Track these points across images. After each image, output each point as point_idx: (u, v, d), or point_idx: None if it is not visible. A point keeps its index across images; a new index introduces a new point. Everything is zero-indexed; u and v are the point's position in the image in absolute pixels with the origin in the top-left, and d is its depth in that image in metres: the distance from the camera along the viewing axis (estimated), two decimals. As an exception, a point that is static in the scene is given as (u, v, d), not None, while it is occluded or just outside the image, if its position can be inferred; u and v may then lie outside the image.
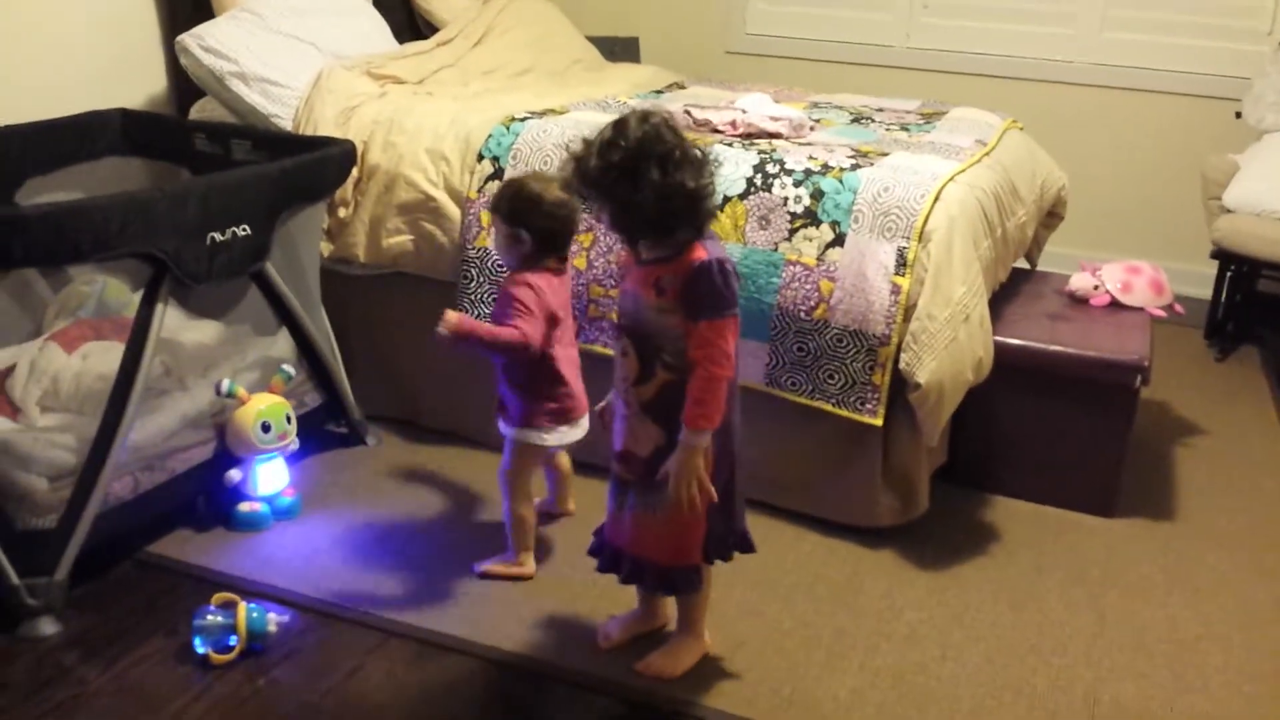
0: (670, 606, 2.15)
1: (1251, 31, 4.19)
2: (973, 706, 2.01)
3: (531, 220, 2.18)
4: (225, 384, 2.42)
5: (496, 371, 2.28)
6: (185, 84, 3.19)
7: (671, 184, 1.75)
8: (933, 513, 2.57)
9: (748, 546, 2.06)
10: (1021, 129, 3.39)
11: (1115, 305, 2.99)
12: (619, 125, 1.79)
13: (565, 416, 2.27)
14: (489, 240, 2.73)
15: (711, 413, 1.81)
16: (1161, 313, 2.99)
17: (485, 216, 2.74)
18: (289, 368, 2.57)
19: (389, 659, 2.08)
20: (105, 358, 2.41)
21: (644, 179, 1.74)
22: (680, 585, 1.99)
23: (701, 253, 1.80)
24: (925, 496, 2.55)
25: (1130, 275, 3.03)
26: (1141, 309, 2.97)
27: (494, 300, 2.72)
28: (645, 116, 1.80)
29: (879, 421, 2.44)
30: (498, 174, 2.74)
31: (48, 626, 2.08)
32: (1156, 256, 3.70)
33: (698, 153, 1.79)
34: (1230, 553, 2.58)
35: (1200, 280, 4.06)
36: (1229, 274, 3.88)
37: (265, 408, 2.45)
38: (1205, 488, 2.89)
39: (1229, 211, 3.64)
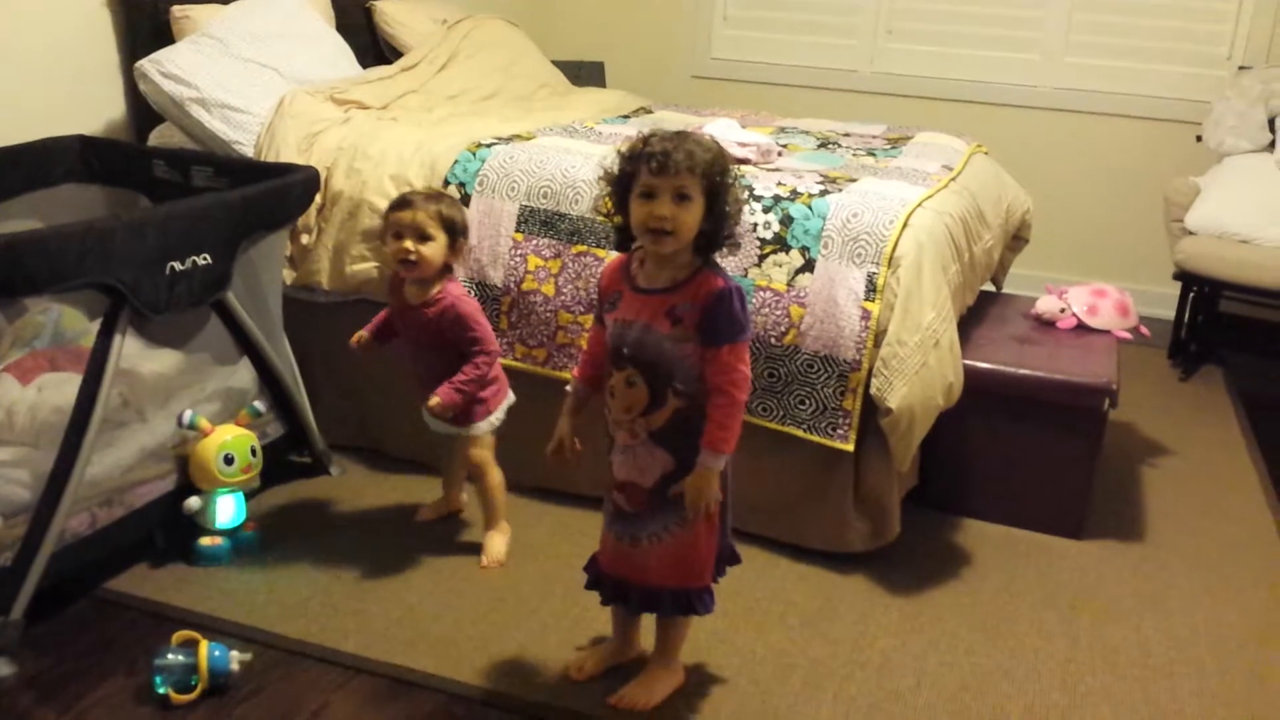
0: (645, 636, 2.12)
1: (1211, 56, 4.26)
2: (948, 735, 2.00)
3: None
4: (188, 415, 2.37)
5: (427, 379, 2.34)
6: (144, 110, 3.14)
7: (739, 203, 1.83)
8: (904, 536, 2.56)
9: (736, 558, 2.08)
10: (986, 153, 3.41)
11: (1082, 328, 3.00)
12: (691, 135, 1.81)
13: (501, 388, 2.43)
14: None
15: (732, 436, 1.82)
16: (1127, 335, 3.01)
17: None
18: (260, 405, 2.52)
19: (355, 696, 2.03)
20: (61, 389, 2.35)
21: (730, 190, 1.80)
22: (697, 606, 1.96)
23: (718, 280, 1.80)
24: (897, 521, 2.53)
25: (1096, 298, 3.05)
26: (1108, 331, 2.99)
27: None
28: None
29: (850, 447, 2.43)
30: (464, 200, 2.71)
31: (3, 668, 2.01)
32: (1121, 278, 3.74)
33: None
34: (1200, 573, 2.58)
35: (1163, 301, 4.10)
36: (1191, 295, 3.92)
37: (229, 439, 2.40)
38: (1173, 508, 2.90)
39: (1191, 234, 3.68)
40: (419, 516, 2.60)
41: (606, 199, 1.87)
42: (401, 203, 2.30)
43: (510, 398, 2.46)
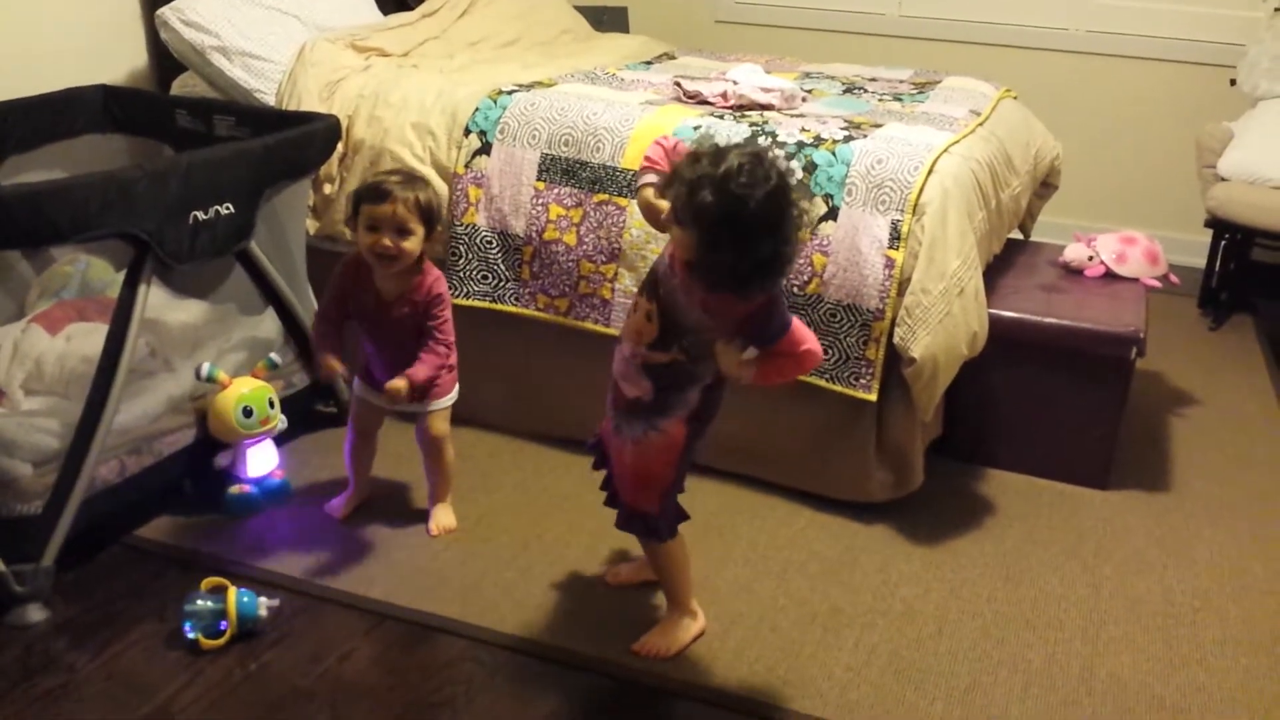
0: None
1: (1246, -3, 4.16)
2: (969, 683, 2.01)
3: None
4: (205, 368, 2.37)
5: (389, 362, 2.26)
6: (167, 59, 3.14)
7: (775, 256, 1.65)
8: (927, 487, 2.55)
9: (683, 515, 2.05)
10: (1015, 98, 3.35)
11: (1110, 276, 2.96)
12: (747, 170, 1.61)
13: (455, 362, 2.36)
14: (477, 216, 2.70)
15: (775, 375, 1.81)
16: (1156, 283, 2.97)
17: (473, 191, 2.70)
18: (276, 356, 2.53)
19: (382, 642, 2.06)
20: (89, 339, 2.38)
21: (751, 241, 1.63)
22: (637, 528, 2.00)
23: (760, 301, 1.74)
24: (920, 471, 2.53)
25: (1125, 246, 3.00)
26: (1136, 280, 2.95)
27: (484, 278, 2.70)
28: (771, 175, 1.64)
29: (873, 396, 2.42)
30: (485, 148, 2.70)
31: (35, 614, 2.05)
32: (1151, 226, 3.69)
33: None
34: (1226, 524, 2.57)
35: (1195, 249, 4.04)
36: (1223, 242, 3.86)
37: (247, 392, 2.41)
38: (1200, 459, 2.88)
39: (1223, 180, 3.61)
40: (339, 515, 2.42)
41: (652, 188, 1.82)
42: (377, 194, 2.13)
43: None
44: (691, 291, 1.76)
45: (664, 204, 1.75)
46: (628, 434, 1.94)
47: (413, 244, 2.16)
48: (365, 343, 2.32)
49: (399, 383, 2.18)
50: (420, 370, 2.22)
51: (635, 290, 2.02)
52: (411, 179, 2.22)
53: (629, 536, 2.06)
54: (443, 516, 2.40)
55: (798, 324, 1.80)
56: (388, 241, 2.14)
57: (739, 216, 1.61)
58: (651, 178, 1.82)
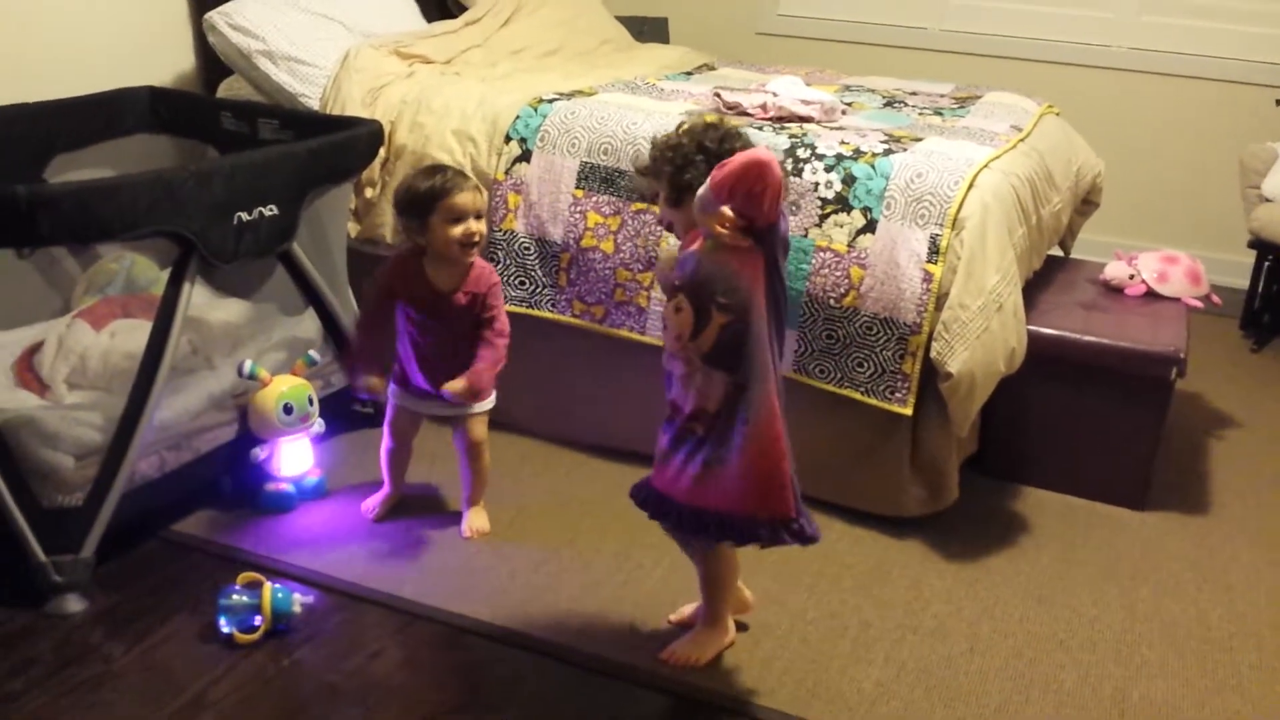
0: (742, 594, 2.13)
1: (1294, 16, 4.11)
2: (1000, 702, 1.99)
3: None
4: (247, 365, 2.41)
5: (445, 364, 2.28)
6: (213, 62, 3.19)
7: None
8: (962, 503, 2.54)
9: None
10: (1058, 114, 3.34)
11: (1151, 295, 2.94)
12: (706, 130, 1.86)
13: None
14: (516, 223, 2.71)
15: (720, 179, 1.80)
16: (1198, 303, 2.94)
17: (513, 198, 2.72)
18: (315, 354, 2.56)
19: (413, 641, 2.07)
20: (133, 335, 2.41)
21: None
22: (759, 536, 1.88)
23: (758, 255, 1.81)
24: (955, 487, 2.51)
25: (1167, 265, 2.98)
26: (1178, 299, 2.92)
27: (521, 284, 2.71)
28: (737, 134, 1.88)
29: (909, 411, 2.41)
30: (525, 155, 2.72)
31: (74, 604, 2.08)
32: (1193, 245, 3.65)
33: None
34: (1264, 548, 2.53)
35: (1238, 270, 4.00)
36: (1267, 264, 3.81)
37: (287, 389, 2.44)
38: (1239, 482, 2.84)
39: (1268, 201, 3.58)
40: (373, 517, 2.43)
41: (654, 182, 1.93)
42: (449, 187, 2.19)
43: None
44: (695, 236, 1.82)
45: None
46: (728, 450, 1.84)
47: (484, 227, 2.24)
48: (405, 347, 2.33)
49: (459, 384, 2.21)
50: (482, 368, 2.25)
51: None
52: (449, 169, 2.27)
53: (662, 543, 2.06)
54: (477, 519, 2.41)
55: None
56: (474, 226, 2.20)
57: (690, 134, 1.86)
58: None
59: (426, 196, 2.20)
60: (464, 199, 2.19)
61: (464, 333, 2.28)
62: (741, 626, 2.13)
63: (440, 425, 2.42)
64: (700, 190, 1.75)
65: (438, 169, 2.26)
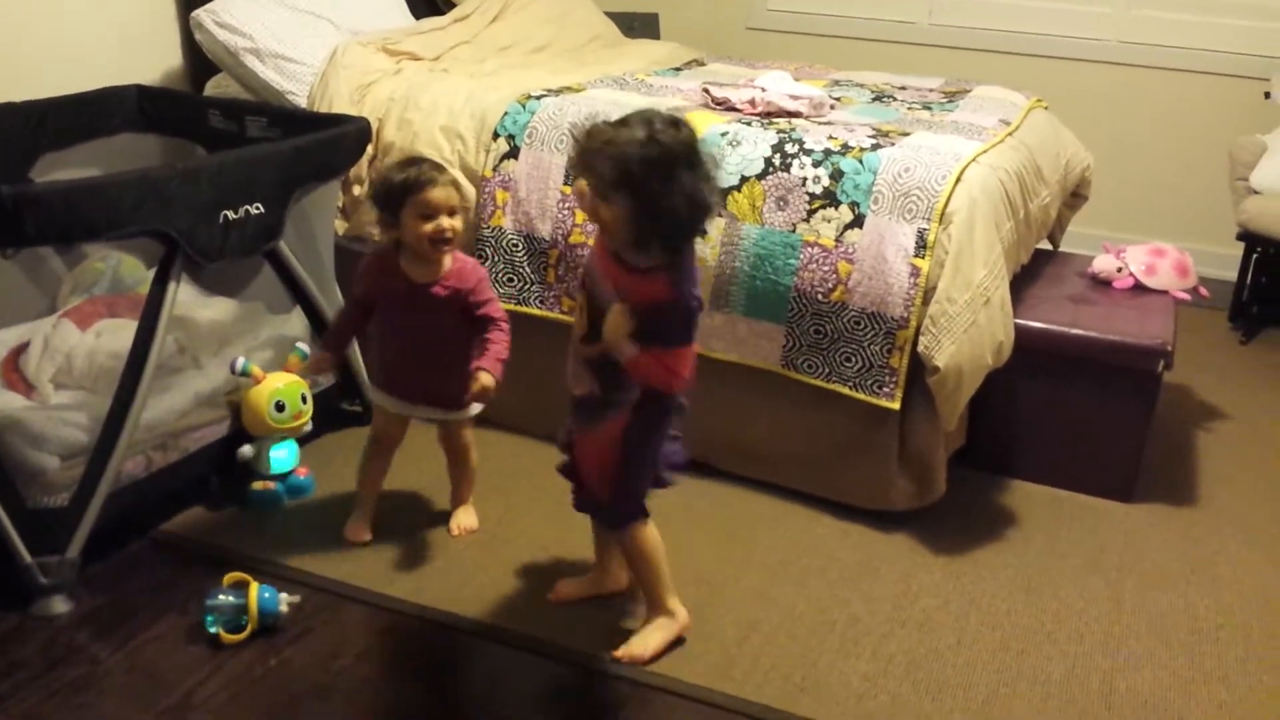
0: (621, 569, 2.17)
1: (1282, 9, 4.12)
2: (987, 695, 1.99)
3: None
4: (240, 362, 2.40)
5: (428, 363, 2.27)
6: (201, 60, 3.18)
7: (699, 194, 1.73)
8: (949, 497, 2.54)
9: (661, 482, 2.06)
10: (1046, 108, 3.34)
11: (1139, 288, 2.94)
12: (651, 121, 1.73)
13: None
14: (504, 219, 2.71)
15: (641, 373, 1.83)
16: (1186, 296, 2.95)
17: (500, 195, 2.72)
18: (304, 346, 2.56)
19: (401, 640, 2.07)
20: (119, 335, 2.41)
21: (677, 183, 1.70)
22: (604, 517, 2.05)
23: (667, 289, 1.79)
24: (942, 481, 2.52)
25: (1154, 258, 2.98)
26: (1165, 292, 2.93)
27: (509, 280, 2.71)
28: (677, 121, 1.75)
29: (896, 405, 2.41)
30: (513, 152, 2.72)
31: (60, 605, 2.08)
32: (1181, 238, 3.65)
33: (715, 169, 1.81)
34: (1251, 541, 2.54)
35: (1226, 262, 4.00)
36: (1255, 256, 3.82)
37: (281, 387, 2.43)
38: (1227, 474, 2.85)
39: (1256, 193, 3.58)
40: (364, 538, 2.34)
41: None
42: (422, 182, 2.13)
43: None
44: (608, 274, 1.82)
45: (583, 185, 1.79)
46: (586, 428, 1.99)
47: (460, 223, 2.19)
48: (390, 344, 2.30)
49: (487, 379, 2.13)
50: (495, 355, 2.17)
51: None
52: (438, 164, 2.22)
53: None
54: (465, 517, 2.41)
55: (689, 353, 1.85)
56: (446, 224, 2.14)
57: (663, 153, 1.70)
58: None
59: (399, 189, 2.15)
60: (436, 194, 2.13)
61: (448, 330, 2.22)
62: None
63: (427, 424, 2.41)
64: (628, 353, 1.80)
65: (414, 161, 2.21)
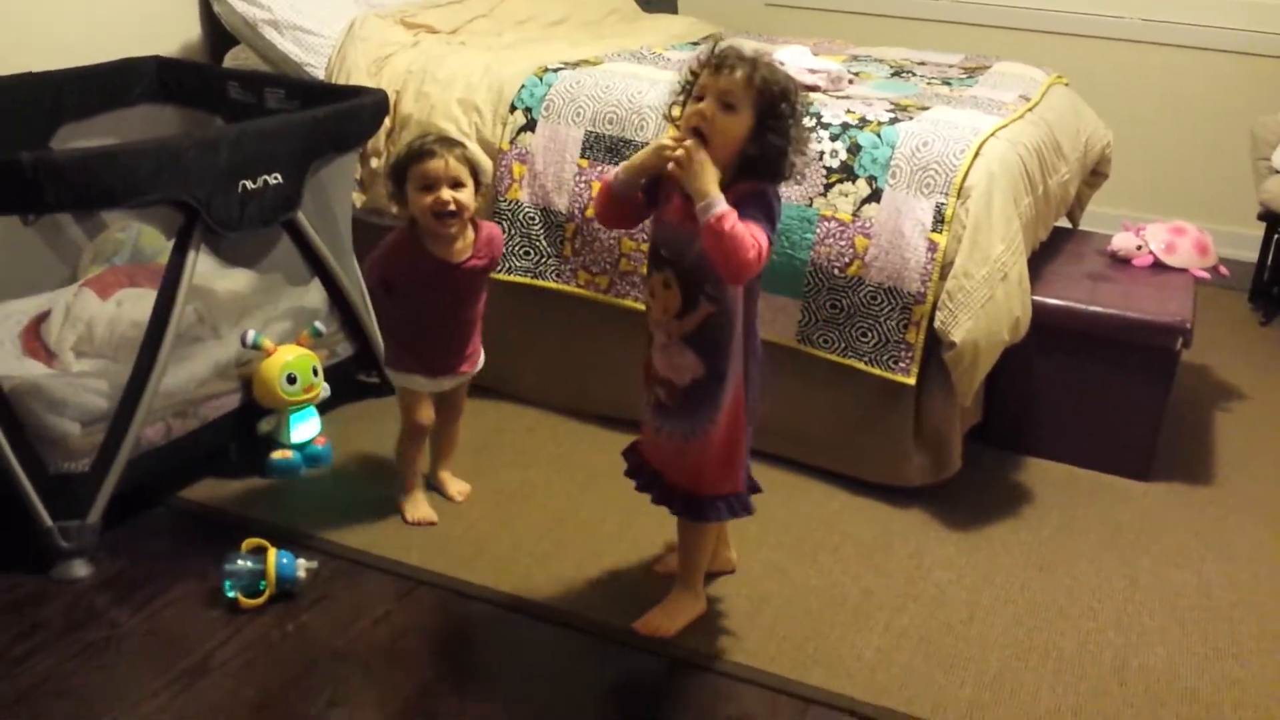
0: (728, 552, 2.19)
1: (1308, -14, 4.07)
2: (999, 669, 2.00)
3: None
4: (251, 335, 2.41)
5: (459, 335, 2.27)
6: (220, 32, 3.18)
7: (805, 138, 1.82)
8: (965, 473, 2.54)
9: (756, 488, 2.06)
10: (1067, 85, 3.31)
11: (1158, 266, 2.93)
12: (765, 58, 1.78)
13: None
14: (521, 193, 2.71)
15: (724, 239, 1.71)
16: (1205, 274, 2.93)
17: (517, 168, 2.72)
18: (320, 325, 2.56)
19: (416, 607, 2.09)
20: (139, 304, 2.42)
21: (796, 118, 1.79)
22: (708, 512, 1.96)
23: (757, 184, 1.79)
24: (958, 456, 2.52)
25: (1174, 236, 2.96)
26: (1185, 270, 2.91)
27: (526, 254, 2.71)
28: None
29: (912, 380, 2.41)
30: (530, 125, 2.71)
31: (80, 569, 2.10)
32: (1202, 217, 3.63)
33: None
34: (1267, 519, 2.53)
35: (1247, 242, 3.97)
36: (1276, 236, 3.79)
37: (292, 359, 2.44)
38: (1244, 453, 2.84)
39: (1278, 173, 3.55)
40: (422, 519, 2.34)
41: (677, 105, 1.85)
42: (423, 153, 2.11)
43: None
44: (689, 218, 1.75)
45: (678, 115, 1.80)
46: (684, 428, 1.90)
47: (467, 196, 2.13)
48: (420, 324, 2.24)
49: None
50: None
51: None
52: (451, 139, 2.22)
53: (666, 513, 2.06)
54: (459, 482, 2.44)
55: (768, 241, 1.77)
56: (446, 195, 2.10)
57: (797, 91, 1.79)
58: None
59: (402, 162, 2.14)
60: (435, 165, 2.09)
61: (477, 295, 2.25)
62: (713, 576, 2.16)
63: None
64: (713, 204, 1.72)
65: (425, 135, 2.21)
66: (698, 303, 1.83)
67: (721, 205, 1.71)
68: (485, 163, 2.71)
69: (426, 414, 2.32)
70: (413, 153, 2.13)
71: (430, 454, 2.43)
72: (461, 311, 2.26)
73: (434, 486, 2.43)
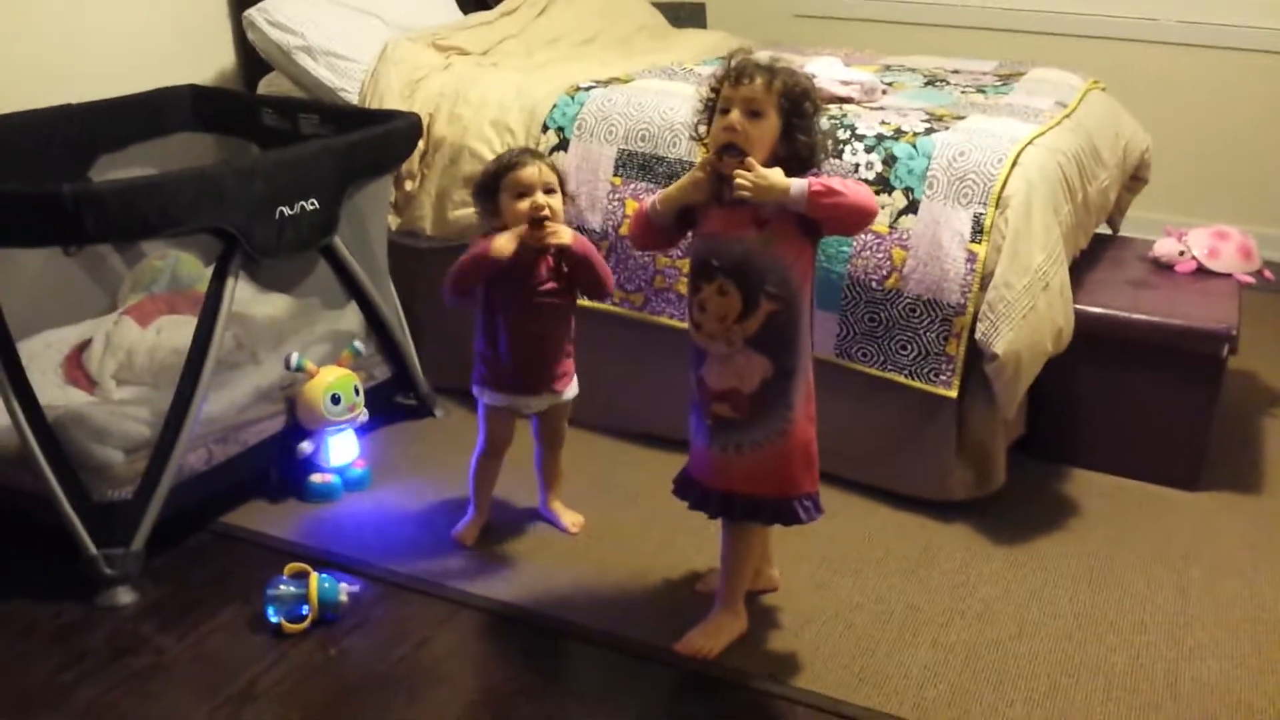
0: (771, 570, 2.17)
1: (1349, -17, 4.01)
2: (1049, 685, 1.96)
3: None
4: (294, 358, 2.43)
5: (551, 354, 2.25)
6: (254, 59, 3.22)
7: (828, 136, 1.94)
8: (1009, 486, 2.50)
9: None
10: (1104, 90, 3.28)
11: (1202, 271, 2.88)
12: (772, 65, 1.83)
13: None
14: (555, 211, 2.71)
15: (832, 196, 1.77)
16: (1250, 279, 2.88)
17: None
18: (359, 344, 2.58)
19: (458, 630, 2.09)
20: (178, 331, 2.44)
21: (813, 118, 1.84)
22: (800, 513, 1.93)
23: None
24: (1002, 469, 2.48)
25: (1217, 240, 2.92)
26: (1229, 275, 2.87)
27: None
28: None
29: (954, 393, 2.38)
30: (563, 144, 2.72)
31: (125, 596, 2.11)
32: (1245, 221, 3.57)
33: None
34: (1322, 528, 2.48)
35: (1291, 245, 3.91)
36: (1322, 238, 3.72)
37: (334, 380, 2.46)
38: (1295, 461, 2.78)
39: (1323, 173, 3.49)
40: (469, 542, 2.34)
41: (702, 123, 1.90)
42: (513, 163, 2.15)
43: None
44: (737, 222, 1.81)
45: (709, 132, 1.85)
46: (759, 436, 1.89)
47: (559, 203, 2.17)
48: (516, 339, 2.21)
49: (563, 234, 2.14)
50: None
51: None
52: (527, 148, 2.29)
53: (705, 529, 2.05)
54: (572, 512, 2.41)
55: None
56: (542, 199, 2.13)
57: (815, 90, 1.86)
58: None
59: (493, 175, 2.18)
60: (529, 173, 2.14)
61: (568, 307, 2.24)
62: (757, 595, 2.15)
63: (523, 420, 2.34)
64: (798, 185, 1.77)
65: (508, 150, 2.29)
66: (758, 302, 1.83)
67: (803, 179, 1.78)
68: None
69: (505, 436, 2.32)
70: (504, 164, 2.18)
71: (539, 486, 2.43)
72: (557, 321, 2.25)
73: (546, 518, 2.42)
